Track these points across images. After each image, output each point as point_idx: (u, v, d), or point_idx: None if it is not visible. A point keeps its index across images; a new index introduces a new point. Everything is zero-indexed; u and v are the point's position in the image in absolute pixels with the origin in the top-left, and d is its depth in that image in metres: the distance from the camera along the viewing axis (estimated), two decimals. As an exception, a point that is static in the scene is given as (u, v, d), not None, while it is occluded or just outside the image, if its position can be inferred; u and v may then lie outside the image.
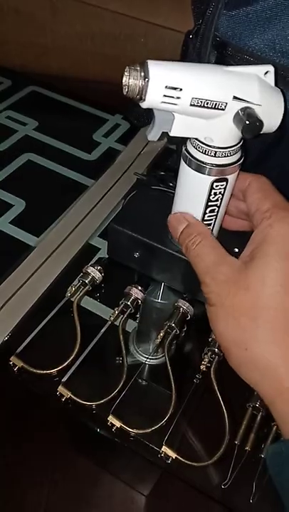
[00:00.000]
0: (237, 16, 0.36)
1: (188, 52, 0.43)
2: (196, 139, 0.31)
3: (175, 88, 0.26)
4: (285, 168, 0.43)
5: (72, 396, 0.35)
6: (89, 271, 0.42)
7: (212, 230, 0.38)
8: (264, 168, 0.45)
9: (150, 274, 0.44)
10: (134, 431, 0.34)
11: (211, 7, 0.37)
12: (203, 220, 0.36)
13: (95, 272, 0.42)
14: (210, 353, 0.39)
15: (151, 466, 0.33)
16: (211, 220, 0.37)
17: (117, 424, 0.34)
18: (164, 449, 0.33)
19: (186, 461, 0.33)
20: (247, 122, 0.27)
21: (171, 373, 0.37)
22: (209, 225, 0.37)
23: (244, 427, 0.34)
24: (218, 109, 0.28)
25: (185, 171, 0.34)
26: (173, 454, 0.33)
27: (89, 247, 0.50)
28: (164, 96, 0.27)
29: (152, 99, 0.27)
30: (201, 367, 0.37)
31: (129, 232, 0.42)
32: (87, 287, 0.41)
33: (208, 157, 0.31)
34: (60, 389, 0.35)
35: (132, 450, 0.33)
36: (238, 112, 0.28)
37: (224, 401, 0.35)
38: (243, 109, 0.28)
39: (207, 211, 0.36)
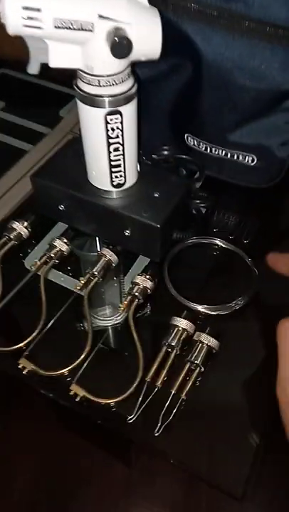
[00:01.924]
0: None
1: None
2: (80, 69, 0.31)
3: (33, 9, 0.26)
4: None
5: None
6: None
7: (124, 174, 0.38)
8: (184, 112, 0.44)
9: (77, 226, 0.44)
10: (45, 372, 0.34)
11: None
12: (110, 160, 0.36)
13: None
14: (130, 296, 0.38)
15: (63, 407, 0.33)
16: (119, 160, 0.36)
17: (29, 367, 0.34)
18: (73, 387, 0.33)
19: (95, 399, 0.32)
20: (115, 40, 0.27)
21: (88, 313, 0.36)
22: (118, 165, 0.36)
23: (157, 365, 0.34)
24: (85, 30, 0.27)
25: (80, 109, 0.33)
26: (81, 393, 0.33)
27: (24, 207, 0.51)
28: (24, 18, 0.27)
29: (13, 22, 0.26)
30: (120, 309, 0.37)
31: (50, 184, 0.42)
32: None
33: (93, 87, 0.31)
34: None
35: (42, 392, 0.33)
36: (108, 32, 0.28)
37: (141, 341, 0.35)
38: (113, 29, 0.27)
39: (111, 150, 0.35)
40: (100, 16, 0.27)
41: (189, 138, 0.46)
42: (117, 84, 0.31)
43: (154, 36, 0.29)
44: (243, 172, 0.46)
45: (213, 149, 0.45)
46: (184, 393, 0.32)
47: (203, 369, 0.33)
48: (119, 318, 0.39)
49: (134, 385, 0.33)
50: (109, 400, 0.32)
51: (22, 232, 0.42)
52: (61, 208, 0.43)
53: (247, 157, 0.44)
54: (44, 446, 0.34)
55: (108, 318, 0.40)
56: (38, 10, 0.26)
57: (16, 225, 0.42)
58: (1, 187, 0.53)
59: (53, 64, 0.29)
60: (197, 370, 0.33)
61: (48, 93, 0.77)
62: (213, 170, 0.48)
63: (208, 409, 0.33)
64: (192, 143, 0.46)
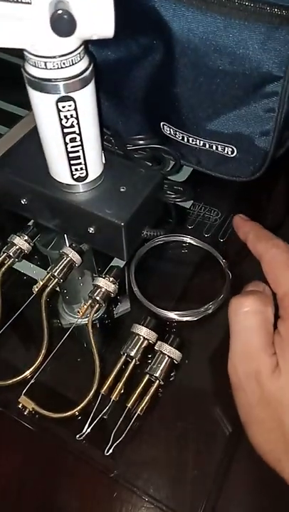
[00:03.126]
0: None
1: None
2: (25, 50, 0.27)
3: None
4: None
5: None
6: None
7: (85, 166, 0.34)
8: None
9: (41, 222, 0.41)
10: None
11: None
12: (67, 152, 0.33)
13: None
14: (90, 300, 0.35)
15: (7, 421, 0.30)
16: (78, 151, 0.33)
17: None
18: (22, 399, 0.31)
19: (45, 412, 0.30)
20: (54, 15, 0.23)
21: (44, 316, 0.34)
22: (77, 157, 0.33)
23: (113, 376, 0.31)
24: (23, 2, 0.24)
25: (30, 94, 0.30)
26: (30, 405, 0.30)
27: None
28: None
29: None
30: (78, 315, 0.34)
31: (10, 176, 0.39)
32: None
33: (40, 70, 0.27)
34: None
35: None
36: (49, 4, 0.24)
37: (98, 350, 0.32)
38: (54, 2, 0.24)
39: (67, 140, 0.32)
40: (39, -13, 0.24)
41: (165, 127, 0.42)
42: (66, 66, 0.27)
43: (104, 11, 0.25)
44: (222, 164, 0.42)
45: (190, 139, 0.41)
46: (140, 409, 0.30)
47: (162, 382, 0.31)
48: (96, 315, 0.37)
49: (88, 398, 0.30)
50: (59, 415, 0.30)
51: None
52: (23, 201, 0.40)
53: (226, 148, 0.40)
54: (27, 441, 0.32)
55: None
56: None
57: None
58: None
59: (-6, 43, 0.26)
60: (156, 384, 0.31)
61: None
62: (191, 161, 0.44)
63: (165, 427, 0.31)
64: (168, 132, 0.42)
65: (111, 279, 0.35)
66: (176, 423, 0.31)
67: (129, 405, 0.30)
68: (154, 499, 0.28)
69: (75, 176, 0.35)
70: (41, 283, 0.36)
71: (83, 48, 0.28)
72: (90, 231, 0.37)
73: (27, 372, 0.32)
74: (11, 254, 0.38)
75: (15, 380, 0.32)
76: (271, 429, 0.25)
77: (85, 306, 0.35)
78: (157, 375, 0.30)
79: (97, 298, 0.35)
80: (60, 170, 0.34)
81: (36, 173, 0.38)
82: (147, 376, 0.31)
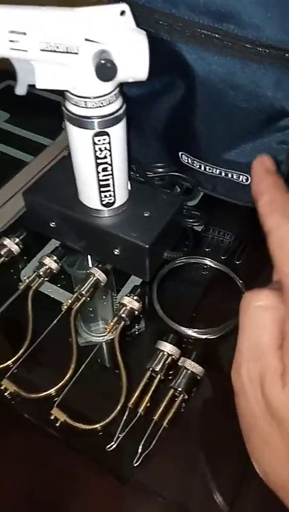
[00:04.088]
0: None
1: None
2: (67, 91, 0.30)
3: (19, 32, 0.26)
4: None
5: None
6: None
7: (113, 193, 0.37)
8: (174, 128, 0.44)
9: (68, 244, 0.43)
10: (26, 395, 0.33)
11: None
12: (98, 180, 0.36)
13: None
14: (116, 317, 0.37)
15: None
16: (108, 180, 0.36)
17: (11, 389, 0.33)
18: (54, 411, 0.32)
19: (76, 424, 0.32)
20: (99, 63, 0.26)
21: (74, 333, 0.36)
22: (107, 185, 0.36)
23: (140, 390, 0.33)
24: (71, 53, 0.27)
25: (68, 129, 0.33)
26: (62, 417, 0.32)
27: (20, 221, 0.50)
28: (10, 42, 0.26)
29: (-2, 46, 0.27)
30: (106, 331, 0.36)
31: (42, 201, 0.42)
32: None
33: (81, 109, 0.30)
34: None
35: (22, 415, 0.33)
36: (93, 54, 0.27)
37: (125, 365, 0.34)
38: (98, 52, 0.27)
39: (100, 170, 0.35)
40: (86, 39, 0.27)
41: (183, 156, 0.45)
42: (104, 105, 0.30)
43: (140, 58, 0.28)
44: (236, 190, 0.45)
45: (207, 167, 0.44)
46: (166, 421, 0.31)
47: (186, 396, 0.32)
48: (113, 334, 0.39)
49: (116, 411, 0.32)
50: (90, 426, 0.32)
51: (13, 249, 0.41)
52: (52, 225, 0.42)
53: (241, 176, 0.43)
54: (35, 458, 0.33)
55: (101, 334, 0.39)
56: (24, 34, 0.26)
57: (7, 241, 0.41)
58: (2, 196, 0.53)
59: (40, 85, 0.29)
60: (180, 397, 0.32)
61: (52, 105, 0.77)
62: (207, 188, 0.47)
63: (190, 439, 0.32)
64: (186, 161, 0.45)
65: (135, 297, 0.38)
66: (198, 435, 0.32)
67: (155, 418, 0.32)
68: (177, 507, 0.29)
69: (104, 202, 0.37)
70: (70, 301, 0.39)
71: (119, 89, 0.31)
72: (116, 252, 0.40)
73: (58, 386, 0.34)
74: (41, 273, 0.40)
75: (46, 393, 0.34)
76: (276, 448, 0.21)
77: (112, 323, 0.37)
78: (181, 389, 0.32)
79: (123, 315, 0.37)
80: (90, 196, 0.37)
81: (66, 199, 0.41)
82: (172, 390, 0.33)
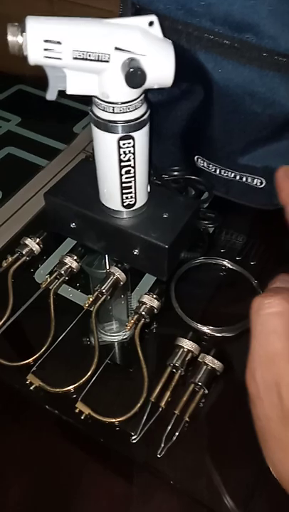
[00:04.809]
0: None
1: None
2: (96, 96, 0.32)
3: (54, 42, 0.28)
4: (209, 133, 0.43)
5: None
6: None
7: (134, 195, 0.39)
8: (192, 133, 0.45)
9: (88, 244, 0.45)
10: (51, 390, 0.34)
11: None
12: (121, 182, 0.37)
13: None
14: (136, 315, 0.39)
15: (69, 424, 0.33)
16: (130, 182, 0.37)
17: (36, 383, 0.35)
18: (79, 405, 0.33)
19: (100, 417, 0.33)
20: (129, 71, 0.28)
21: (95, 330, 0.37)
22: (129, 187, 0.37)
23: (161, 385, 0.34)
24: (102, 61, 0.29)
25: (94, 133, 0.34)
26: (86, 410, 0.33)
27: (37, 222, 0.52)
28: (45, 50, 0.28)
29: (34, 54, 0.28)
30: (127, 328, 0.38)
31: (63, 202, 0.43)
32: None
33: (108, 114, 0.32)
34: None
35: (48, 408, 0.34)
36: (123, 62, 0.29)
37: (146, 361, 0.35)
38: (128, 60, 0.29)
39: (123, 172, 0.36)
40: (116, 48, 0.28)
41: (199, 160, 0.47)
42: (130, 111, 0.32)
43: (167, 66, 0.30)
44: (250, 193, 0.46)
45: (222, 171, 0.46)
46: (188, 415, 0.33)
47: (206, 391, 0.34)
48: (126, 333, 0.40)
49: (138, 405, 0.33)
50: (114, 419, 0.33)
51: (34, 248, 0.43)
52: (72, 225, 0.44)
53: (255, 179, 0.45)
54: (42, 460, 0.34)
55: (115, 334, 0.40)
56: (59, 43, 0.27)
57: (29, 241, 0.43)
58: (16, 202, 0.54)
59: (70, 91, 0.31)
60: (201, 392, 0.34)
61: (62, 109, 0.79)
62: (221, 190, 0.48)
63: (210, 431, 0.33)
64: (202, 164, 0.47)
65: (154, 296, 0.39)
66: (218, 428, 0.34)
67: (177, 412, 0.33)
68: (197, 498, 0.30)
69: (125, 203, 0.39)
70: (90, 299, 0.40)
71: (144, 95, 0.33)
72: (135, 252, 0.41)
73: (80, 382, 0.35)
74: (62, 272, 0.41)
75: (72, 386, 0.35)
76: None
77: (132, 321, 0.38)
78: (202, 384, 0.34)
79: (143, 313, 0.38)
80: (112, 197, 0.38)
81: (86, 200, 0.42)
82: (192, 385, 0.34)
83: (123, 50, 0.28)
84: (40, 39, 0.27)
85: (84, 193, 0.42)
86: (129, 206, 0.39)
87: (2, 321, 0.39)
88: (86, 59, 0.28)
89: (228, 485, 0.31)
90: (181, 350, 0.35)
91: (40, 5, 0.77)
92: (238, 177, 0.45)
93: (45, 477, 0.32)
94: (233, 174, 0.45)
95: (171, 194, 0.43)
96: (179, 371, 0.35)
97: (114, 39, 0.28)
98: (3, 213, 0.52)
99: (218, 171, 0.46)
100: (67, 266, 0.42)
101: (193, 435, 0.33)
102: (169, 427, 0.32)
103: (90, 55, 0.28)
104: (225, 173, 0.46)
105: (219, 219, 0.47)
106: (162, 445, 0.31)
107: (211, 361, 0.34)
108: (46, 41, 0.27)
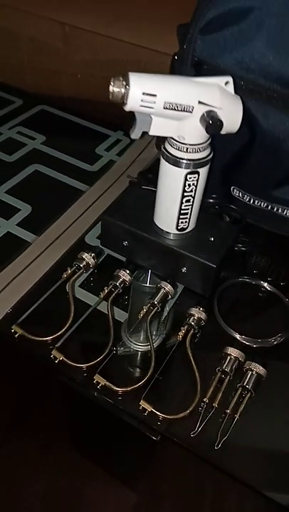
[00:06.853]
0: (210, 40, 0.43)
1: (174, 71, 0.50)
2: (172, 137, 0.37)
3: (151, 94, 0.33)
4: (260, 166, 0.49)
5: (64, 358, 0.40)
6: (83, 256, 0.46)
7: (188, 219, 0.44)
8: (242, 169, 0.51)
9: (137, 261, 0.50)
10: (117, 389, 0.39)
11: (189, 33, 0.44)
12: (180, 209, 0.42)
13: (89, 258, 0.48)
14: (186, 326, 0.44)
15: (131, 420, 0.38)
16: (188, 209, 0.43)
17: (102, 382, 0.39)
18: (142, 403, 0.38)
19: (161, 414, 0.37)
20: (210, 122, 0.34)
21: (151, 341, 0.42)
22: (186, 213, 0.43)
23: (213, 388, 0.39)
24: (186, 111, 0.34)
25: (164, 166, 0.40)
26: (149, 408, 0.37)
27: (84, 243, 0.56)
28: (142, 101, 0.33)
29: (132, 103, 0.33)
30: (178, 337, 0.42)
31: (118, 223, 0.48)
32: (81, 271, 0.46)
33: (181, 153, 0.37)
34: (54, 352, 0.40)
35: (113, 405, 0.38)
36: (203, 114, 0.34)
37: (197, 366, 0.40)
38: (207, 112, 0.34)
39: (184, 201, 0.41)
40: (199, 102, 0.34)
41: (235, 190, 0.53)
42: (200, 151, 0.37)
43: (237, 118, 0.36)
44: (279, 222, 0.53)
45: (256, 201, 0.52)
46: (238, 414, 0.37)
47: (253, 394, 0.39)
48: (154, 344, 0.44)
49: (193, 404, 0.38)
50: (173, 416, 0.37)
51: (90, 262, 0.47)
52: (125, 243, 0.49)
53: (286, 210, 0.51)
54: (53, 469, 0.36)
55: (142, 344, 0.44)
56: (154, 95, 0.33)
57: (86, 255, 0.47)
58: (62, 225, 0.58)
59: (152, 133, 0.36)
60: (248, 395, 0.39)
61: (84, 130, 0.84)
62: (252, 218, 0.54)
63: (259, 428, 0.39)
64: (237, 194, 0.53)
65: (202, 308, 0.44)
66: (265, 424, 0.39)
67: (228, 411, 0.38)
68: (253, 486, 0.35)
69: (179, 227, 0.44)
70: (145, 310, 0.44)
71: (211, 138, 0.38)
72: (183, 270, 0.46)
73: (140, 383, 0.40)
74: (118, 284, 0.46)
75: (134, 387, 0.39)
76: None
77: (184, 330, 0.43)
78: (249, 387, 0.39)
79: (192, 323, 0.43)
80: (168, 221, 0.44)
81: (139, 221, 0.47)
82: (240, 388, 0.39)
83: (204, 103, 0.34)
84: (140, 92, 0.33)
85: (136, 214, 0.47)
86: (182, 229, 0.44)
87: (65, 328, 0.43)
88: (174, 109, 0.34)
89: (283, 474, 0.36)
90: (229, 357, 0.41)
91: (54, 30, 0.82)
92: (269, 207, 0.51)
93: (55, 486, 0.35)
94: (265, 204, 0.52)
95: (214, 219, 0.49)
96: (228, 376, 0.40)
97: (198, 94, 0.34)
98: (47, 238, 0.56)
99: (252, 201, 0.52)
100: (120, 279, 0.46)
101: (243, 431, 0.38)
102: (224, 423, 0.37)
103: (177, 107, 0.34)
104: (258, 202, 0.52)
105: (251, 243, 0.53)
106: (218, 438, 0.36)
107: (256, 367, 0.39)
108: (144, 94, 0.33)
